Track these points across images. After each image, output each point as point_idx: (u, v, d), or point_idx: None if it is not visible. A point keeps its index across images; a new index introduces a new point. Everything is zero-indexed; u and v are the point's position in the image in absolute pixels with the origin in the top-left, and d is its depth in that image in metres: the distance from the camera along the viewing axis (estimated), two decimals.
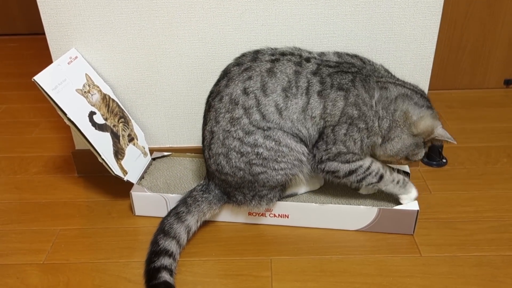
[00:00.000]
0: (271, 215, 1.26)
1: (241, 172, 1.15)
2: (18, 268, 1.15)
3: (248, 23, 1.31)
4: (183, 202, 1.21)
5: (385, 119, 1.12)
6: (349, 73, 1.12)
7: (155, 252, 1.11)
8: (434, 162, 1.53)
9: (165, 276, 1.06)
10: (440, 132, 1.12)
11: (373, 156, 1.19)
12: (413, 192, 1.22)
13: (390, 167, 1.23)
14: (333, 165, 1.16)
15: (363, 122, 1.10)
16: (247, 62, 1.15)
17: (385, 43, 1.33)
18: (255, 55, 1.16)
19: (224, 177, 1.18)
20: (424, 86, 1.39)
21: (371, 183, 1.19)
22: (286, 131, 1.12)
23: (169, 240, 1.14)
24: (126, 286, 1.09)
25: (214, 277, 1.11)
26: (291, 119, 1.12)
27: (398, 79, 1.19)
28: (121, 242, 1.22)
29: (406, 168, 1.37)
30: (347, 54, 1.20)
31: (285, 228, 1.27)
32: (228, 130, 1.13)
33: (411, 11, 1.29)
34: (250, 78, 1.12)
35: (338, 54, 1.20)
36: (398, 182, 1.20)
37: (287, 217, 1.26)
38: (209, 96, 1.20)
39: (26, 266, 1.16)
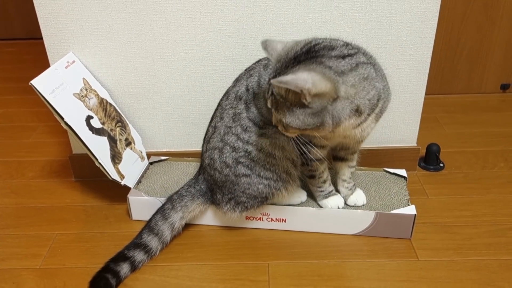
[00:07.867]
0: (268, 219, 1.26)
1: (227, 169, 1.17)
2: (14, 273, 1.15)
3: (245, 28, 1.31)
4: (169, 198, 1.24)
5: None
6: None
7: (136, 243, 1.17)
8: (431, 167, 1.53)
9: (124, 268, 1.12)
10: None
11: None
12: (329, 204, 1.22)
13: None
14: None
15: None
16: (252, 65, 1.22)
17: (381, 47, 1.34)
18: (260, 60, 1.22)
19: (213, 172, 1.20)
20: (421, 90, 1.40)
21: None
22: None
23: (151, 236, 1.18)
24: None
25: (211, 281, 1.11)
26: None
27: None
28: (118, 246, 1.21)
29: (403, 172, 1.37)
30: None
31: (282, 232, 1.26)
32: (230, 126, 1.17)
33: (407, 16, 1.29)
34: (251, 76, 1.18)
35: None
36: (322, 191, 1.22)
37: (284, 221, 1.25)
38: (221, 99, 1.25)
39: (22, 270, 1.15)
